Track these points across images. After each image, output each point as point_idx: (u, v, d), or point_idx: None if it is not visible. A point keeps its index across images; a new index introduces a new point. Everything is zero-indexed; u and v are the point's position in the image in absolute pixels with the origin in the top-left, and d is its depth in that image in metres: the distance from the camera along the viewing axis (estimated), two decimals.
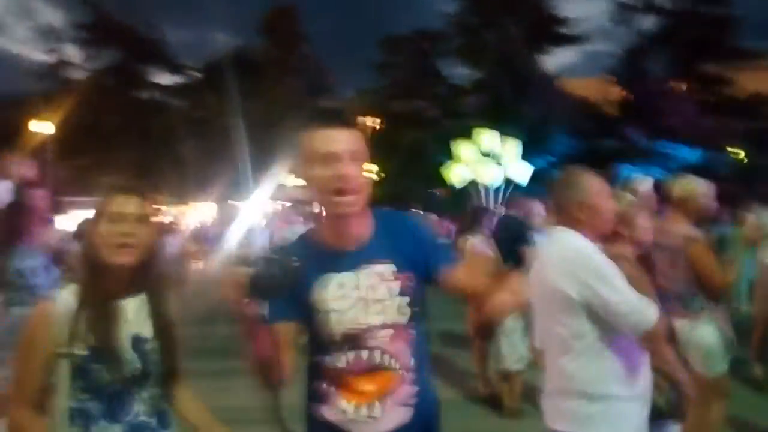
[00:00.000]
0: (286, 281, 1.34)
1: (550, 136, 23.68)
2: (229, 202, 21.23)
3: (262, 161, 19.10)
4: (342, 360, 1.51)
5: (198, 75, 29.90)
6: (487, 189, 15.94)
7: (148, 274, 1.62)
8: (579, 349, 1.95)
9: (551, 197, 2.20)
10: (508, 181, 15.68)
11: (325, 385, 1.54)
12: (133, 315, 1.59)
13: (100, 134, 25.83)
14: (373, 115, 26.97)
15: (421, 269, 1.57)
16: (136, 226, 1.55)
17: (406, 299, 1.54)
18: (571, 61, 46.73)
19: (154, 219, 1.64)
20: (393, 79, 30.11)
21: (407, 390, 1.54)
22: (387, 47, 30.61)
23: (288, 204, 11.62)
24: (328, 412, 1.53)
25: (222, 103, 25.87)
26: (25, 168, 4.33)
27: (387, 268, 1.54)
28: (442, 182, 18.30)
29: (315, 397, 1.56)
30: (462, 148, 16.03)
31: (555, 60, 30.35)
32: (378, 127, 26.87)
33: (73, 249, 3.95)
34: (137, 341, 1.57)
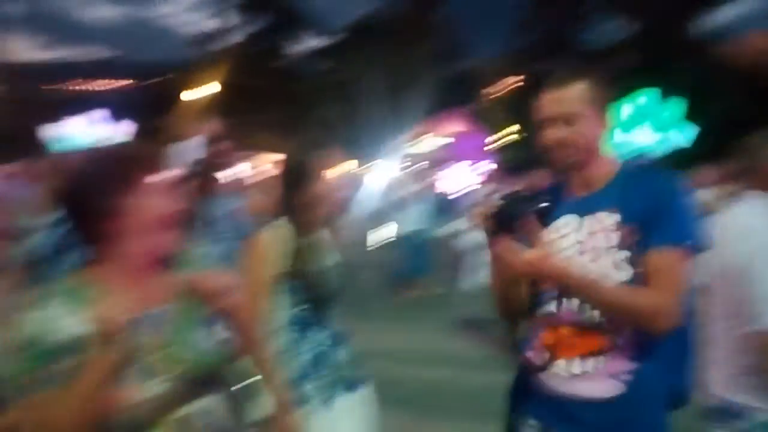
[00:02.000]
0: (526, 219, 1.39)
1: (715, 96, 20.86)
2: (370, 161, 21.83)
3: (400, 122, 19.28)
4: (552, 304, 1.49)
5: (340, 37, 30.69)
6: (642, 154, 14.53)
7: (331, 215, 2.01)
8: None
9: (739, 159, 2.00)
10: (666, 146, 14.16)
11: (532, 329, 1.55)
12: (327, 244, 1.97)
13: (251, 96, 27.79)
14: (515, 73, 25.80)
15: (645, 231, 1.41)
16: None
17: (625, 254, 1.41)
18: (744, 12, 40.16)
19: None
20: (539, 36, 28.39)
21: (620, 363, 1.39)
22: (533, 1, 28.79)
23: (420, 165, 11.56)
24: (532, 358, 1.52)
25: (362, 65, 26.41)
26: (214, 124, 4.83)
27: (610, 218, 1.45)
28: None
29: (524, 342, 1.58)
30: (615, 110, 14.68)
31: (727, 11, 26.26)
32: (521, 85, 25.69)
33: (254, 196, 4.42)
34: (333, 266, 1.96)
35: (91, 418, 1.08)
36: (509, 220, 1.39)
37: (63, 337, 1.10)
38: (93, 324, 1.07)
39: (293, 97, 27.86)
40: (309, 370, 1.83)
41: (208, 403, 1.25)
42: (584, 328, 1.42)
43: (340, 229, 2.17)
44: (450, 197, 10.59)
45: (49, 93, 36.08)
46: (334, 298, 1.95)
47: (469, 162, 17.32)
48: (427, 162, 15.07)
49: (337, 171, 2.12)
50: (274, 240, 1.87)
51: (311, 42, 31.64)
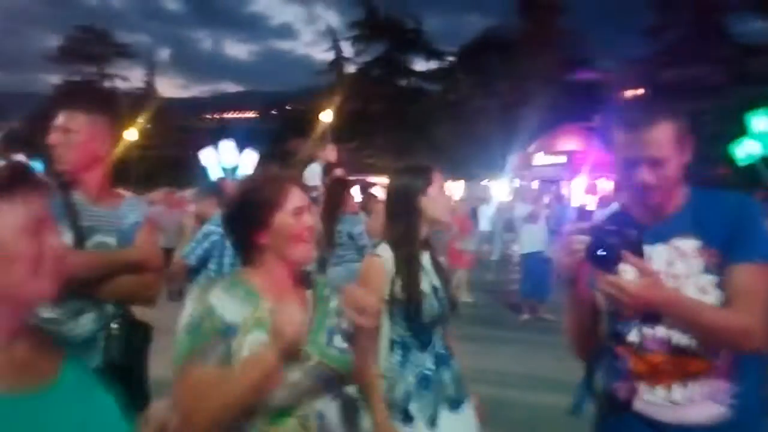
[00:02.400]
0: (622, 252, 1.33)
1: None
2: (479, 181, 21.65)
3: (511, 140, 18.95)
4: (635, 334, 1.44)
5: (452, 59, 30.98)
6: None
7: (430, 238, 2.00)
8: None
9: None
10: None
11: (617, 362, 1.47)
12: (427, 267, 1.98)
13: (367, 120, 28.88)
14: (637, 86, 24.25)
15: (727, 252, 1.37)
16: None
17: (712, 278, 1.37)
18: None
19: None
20: (666, 43, 26.52)
21: (721, 385, 1.36)
22: (661, 7, 27.01)
23: (536, 182, 11.25)
24: (621, 390, 1.45)
25: (474, 84, 26.39)
26: (329, 151, 5.23)
27: (688, 244, 1.41)
28: (722, 160, 15.55)
29: (608, 374, 1.50)
30: (754, 119, 13.29)
31: None
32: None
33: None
34: (435, 290, 1.95)
35: (245, 404, 1.24)
36: (600, 254, 1.33)
37: (222, 321, 1.29)
38: (276, 333, 1.24)
39: (408, 120, 28.51)
40: (412, 391, 1.88)
41: (325, 406, 1.36)
42: (678, 352, 1.38)
43: (450, 250, 2.22)
44: (568, 217, 10.20)
45: (187, 126, 40.08)
46: (438, 321, 1.95)
47: (588, 180, 16.53)
48: (543, 180, 14.65)
49: (446, 193, 2.16)
50: (379, 265, 1.92)
51: (425, 65, 32.30)
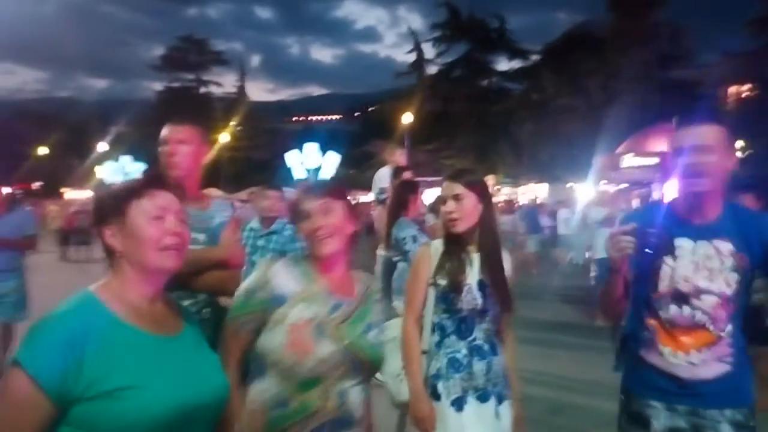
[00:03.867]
0: (658, 251, 1.76)
1: None
2: (563, 183, 20.97)
3: (598, 141, 18.19)
4: (666, 311, 1.83)
5: (537, 58, 30.14)
6: None
7: (485, 237, 2.13)
8: None
9: None
10: None
11: (647, 332, 1.86)
12: (479, 265, 2.11)
13: (448, 121, 28.75)
14: (741, 81, 22.47)
15: (758, 260, 1.80)
16: (456, 204, 2.09)
17: (736, 276, 1.79)
18: None
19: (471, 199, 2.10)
20: None
21: (725, 350, 1.80)
22: None
23: (624, 185, 10.80)
24: (648, 355, 1.86)
25: (559, 83, 25.52)
26: (399, 155, 5.35)
27: (725, 246, 1.80)
28: None
29: (638, 341, 1.89)
30: None
31: None
32: (747, 95, 22.26)
33: (430, 220, 4.90)
34: (481, 284, 2.08)
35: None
36: (644, 252, 1.72)
37: (274, 291, 1.53)
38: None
39: (490, 120, 28.08)
40: (442, 371, 2.05)
41: (349, 388, 1.52)
42: (698, 327, 1.80)
43: (514, 249, 2.28)
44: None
45: (274, 128, 41.83)
46: (481, 314, 2.08)
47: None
48: (629, 183, 14.02)
49: (515, 193, 2.25)
50: (427, 253, 2.16)
51: (509, 64, 31.67)
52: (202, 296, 2.11)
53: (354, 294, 1.62)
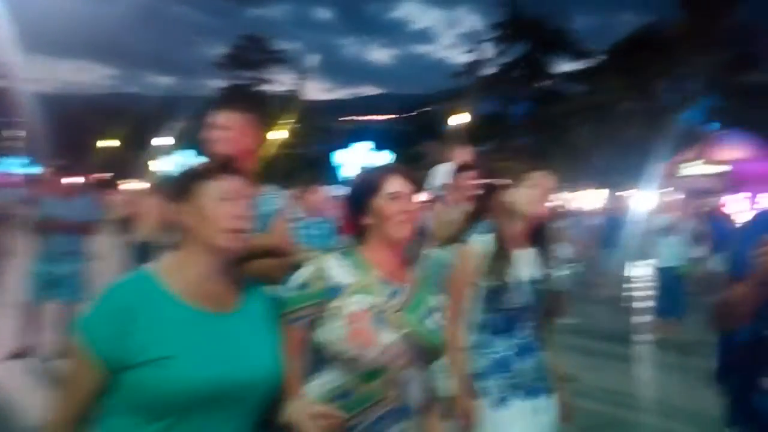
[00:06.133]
0: None
1: None
2: (622, 190, 20.19)
3: (663, 146, 17.43)
4: None
5: (601, 59, 29.10)
6: None
7: (540, 236, 2.11)
8: None
9: None
10: None
11: None
12: (531, 262, 2.08)
13: (504, 123, 28.25)
14: None
15: None
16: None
17: None
18: None
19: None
20: None
21: None
22: None
23: (684, 195, 10.28)
24: None
25: (623, 86, 24.58)
26: (464, 153, 5.24)
27: None
28: None
29: (762, 359, 1.63)
30: None
31: None
32: None
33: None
34: (532, 281, 2.05)
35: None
36: None
37: (330, 282, 1.51)
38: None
39: (547, 123, 27.39)
40: (490, 369, 2.02)
41: (411, 375, 1.51)
42: None
43: (563, 250, 2.20)
44: (724, 232, 9.19)
45: (329, 127, 42.44)
46: (526, 311, 2.05)
47: (751, 193, 14.72)
48: (698, 192, 13.37)
49: (577, 198, 2.17)
50: (471, 251, 2.11)
51: (571, 65, 30.75)
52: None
53: (409, 280, 1.60)
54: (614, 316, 7.87)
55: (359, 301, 1.48)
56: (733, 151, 20.30)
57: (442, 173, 5.09)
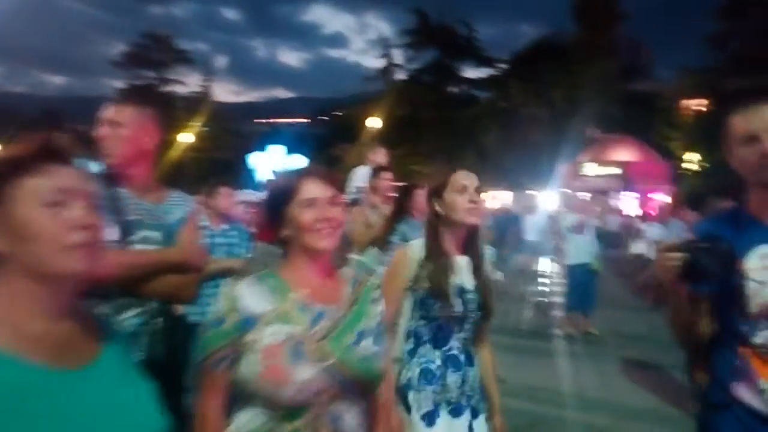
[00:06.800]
0: (718, 269, 1.41)
1: None
2: (526, 191, 21.23)
3: (562, 149, 18.52)
4: (759, 336, 1.48)
5: (504, 67, 30.58)
6: None
7: (472, 241, 1.99)
8: None
9: None
10: None
11: (739, 361, 1.51)
12: (462, 270, 1.96)
13: (415, 127, 28.82)
14: (698, 96, 23.28)
15: None
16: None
17: None
18: None
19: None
20: (731, 52, 25.28)
21: None
22: (725, 15, 25.79)
23: (586, 194, 10.96)
24: (742, 391, 1.50)
25: (526, 92, 25.93)
26: (379, 155, 5.21)
27: None
28: None
29: (728, 372, 1.54)
30: None
31: None
32: (704, 110, 23.08)
33: None
34: (461, 291, 1.93)
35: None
36: (695, 270, 1.42)
37: (243, 313, 1.33)
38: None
39: (456, 127, 28.28)
40: (413, 382, 1.90)
41: (343, 409, 1.34)
42: None
43: (490, 256, 2.13)
44: (615, 230, 9.88)
45: (239, 130, 41.18)
46: (460, 322, 1.93)
47: (640, 193, 16.01)
48: (594, 192, 14.27)
49: (488, 199, 2.13)
50: (406, 254, 1.99)
51: (476, 72, 32.00)
52: (153, 304, 1.88)
53: (340, 299, 1.43)
54: (526, 313, 8.18)
55: (275, 333, 1.31)
56: (622, 154, 21.97)
57: (359, 176, 5.06)
